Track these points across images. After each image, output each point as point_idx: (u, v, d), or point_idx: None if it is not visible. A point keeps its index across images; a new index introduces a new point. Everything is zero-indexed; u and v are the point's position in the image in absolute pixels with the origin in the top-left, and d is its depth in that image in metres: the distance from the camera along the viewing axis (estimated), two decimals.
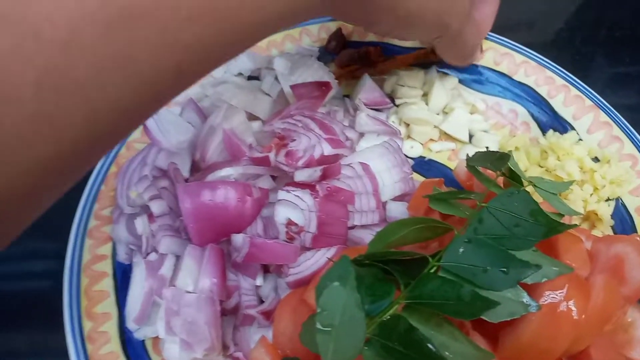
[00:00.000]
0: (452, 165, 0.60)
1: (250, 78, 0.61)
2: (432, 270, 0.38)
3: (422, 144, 0.62)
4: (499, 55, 0.65)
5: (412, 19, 0.43)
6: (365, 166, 0.49)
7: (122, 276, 0.50)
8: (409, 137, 0.62)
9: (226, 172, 0.48)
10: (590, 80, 0.64)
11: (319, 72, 0.58)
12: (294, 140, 0.49)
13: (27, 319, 0.53)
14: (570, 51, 0.78)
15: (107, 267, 0.50)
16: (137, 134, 0.58)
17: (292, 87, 0.54)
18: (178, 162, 0.52)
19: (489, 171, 0.47)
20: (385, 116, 0.63)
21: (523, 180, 0.46)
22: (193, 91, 0.59)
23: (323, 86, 0.55)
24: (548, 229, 0.40)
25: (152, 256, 0.47)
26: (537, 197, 0.47)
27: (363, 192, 0.48)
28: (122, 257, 0.51)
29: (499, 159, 0.47)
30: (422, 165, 0.60)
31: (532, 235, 0.40)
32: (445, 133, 0.62)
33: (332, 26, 0.68)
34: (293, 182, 0.47)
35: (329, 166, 0.47)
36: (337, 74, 0.63)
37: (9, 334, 0.52)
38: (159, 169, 0.51)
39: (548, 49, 0.76)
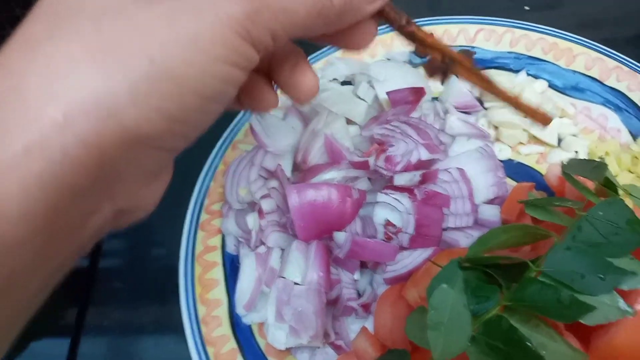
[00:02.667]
0: (540, 168, 0.62)
1: (343, 83, 0.65)
2: (532, 275, 0.40)
3: (510, 147, 0.63)
4: (591, 60, 0.66)
5: None
6: (461, 171, 0.52)
7: (231, 266, 0.55)
8: (497, 139, 0.64)
9: (330, 175, 0.51)
10: None
11: (412, 77, 0.61)
12: (392, 145, 0.52)
13: (150, 299, 0.58)
14: None
15: (217, 257, 0.55)
16: (240, 135, 0.63)
17: (388, 93, 0.57)
18: (282, 164, 0.56)
19: (582, 178, 0.49)
20: (474, 119, 0.65)
21: (618, 188, 0.48)
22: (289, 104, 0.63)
23: (417, 92, 0.58)
24: None
25: (262, 249, 0.52)
26: (629, 204, 0.49)
27: (459, 196, 0.51)
28: (230, 248, 0.55)
29: (596, 167, 0.48)
30: (511, 168, 0.62)
31: (629, 243, 0.42)
32: (534, 136, 0.63)
33: None
34: (392, 186, 0.50)
35: (427, 171, 0.50)
36: (427, 77, 0.66)
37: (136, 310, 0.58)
38: (266, 169, 0.56)
39: (632, 45, 0.75)
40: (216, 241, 0.56)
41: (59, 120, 0.23)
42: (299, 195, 0.50)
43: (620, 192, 0.48)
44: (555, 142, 0.63)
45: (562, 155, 0.62)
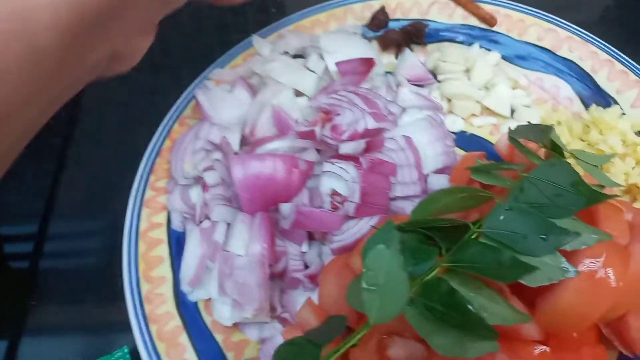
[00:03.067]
0: (493, 140, 0.61)
1: (295, 56, 0.63)
2: (473, 237, 0.39)
3: (463, 119, 0.63)
4: (543, 31, 0.66)
5: None
6: (408, 139, 0.51)
7: (176, 243, 0.53)
8: (450, 112, 0.63)
9: (275, 145, 0.50)
10: (636, 58, 0.63)
11: (363, 49, 0.60)
12: (339, 114, 0.51)
13: (85, 293, 0.56)
14: (619, 29, 0.76)
15: (162, 234, 0.54)
16: (188, 110, 0.61)
17: (337, 64, 0.56)
18: (229, 137, 0.54)
19: (531, 144, 0.48)
20: (427, 92, 0.64)
21: (564, 152, 0.47)
22: (242, 69, 0.62)
23: (367, 62, 0.57)
24: (589, 199, 0.41)
25: (206, 223, 0.51)
26: (579, 171, 0.48)
27: (405, 164, 0.50)
28: (176, 225, 0.54)
29: (541, 131, 0.47)
30: (464, 140, 0.61)
31: (572, 204, 0.41)
32: (487, 108, 0.63)
33: (375, 4, 0.69)
34: (338, 155, 0.49)
35: (372, 139, 0.49)
36: (380, 51, 0.65)
37: (71, 309, 0.56)
38: (211, 142, 0.54)
39: (596, 27, 0.75)
40: (161, 218, 0.55)
41: None
42: (243, 167, 0.49)
43: (567, 155, 0.48)
44: (508, 114, 0.62)
45: (515, 126, 0.61)
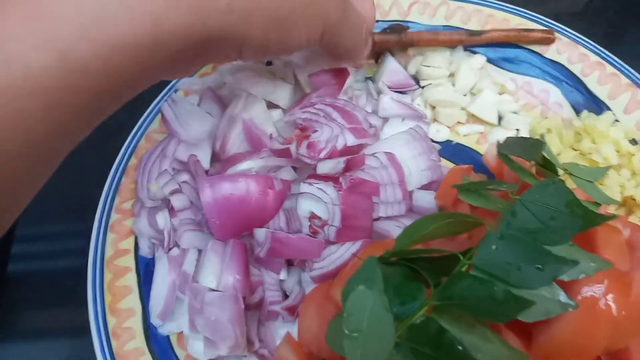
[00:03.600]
0: (480, 149, 0.58)
1: (268, 63, 0.59)
2: (463, 269, 0.36)
3: (449, 128, 0.59)
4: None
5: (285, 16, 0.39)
6: (390, 156, 0.47)
7: (145, 270, 0.50)
8: (435, 120, 0.60)
9: (247, 165, 0.46)
10: (625, 55, 0.61)
11: None
12: (316, 131, 0.48)
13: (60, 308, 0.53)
14: (603, 24, 0.74)
15: (129, 261, 0.50)
16: (155, 124, 0.57)
17: (309, 76, 0.52)
18: (198, 154, 0.50)
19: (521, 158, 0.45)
20: (409, 99, 0.61)
21: (557, 168, 0.44)
22: (211, 79, 0.58)
23: (340, 73, 0.53)
24: (585, 221, 0.38)
25: (175, 251, 0.47)
26: (571, 183, 0.45)
27: (388, 182, 0.47)
28: (144, 251, 0.50)
29: (532, 146, 0.44)
30: (450, 150, 0.58)
31: (568, 228, 0.38)
32: (473, 115, 0.60)
33: None
34: (315, 175, 0.46)
35: (352, 157, 0.46)
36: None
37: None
38: (179, 161, 0.50)
39: (578, 20, 0.73)
40: (128, 244, 0.51)
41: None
42: (212, 188, 0.45)
43: (561, 172, 0.45)
44: (495, 121, 0.59)
45: (503, 134, 0.58)
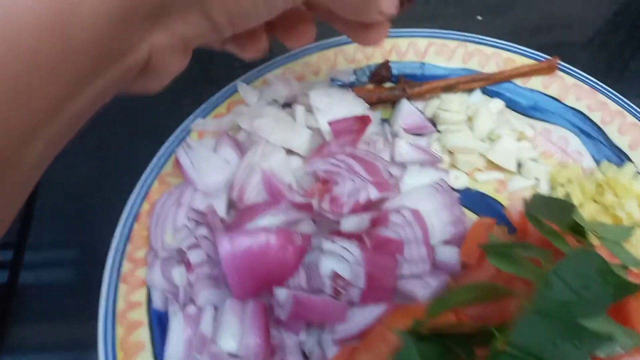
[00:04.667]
0: (500, 197, 0.57)
1: (284, 106, 0.58)
2: (498, 346, 0.35)
3: (467, 174, 0.58)
4: (548, 77, 0.62)
5: None
6: (415, 213, 0.46)
7: (158, 325, 0.48)
8: (452, 166, 0.59)
9: (267, 220, 0.45)
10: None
11: (356, 106, 0.55)
12: (338, 184, 0.46)
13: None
14: (606, 55, 0.74)
15: (142, 315, 0.48)
16: (168, 166, 0.56)
17: (330, 123, 0.51)
18: (214, 202, 0.49)
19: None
20: (426, 142, 0.60)
21: (587, 231, 0.44)
22: (225, 120, 0.56)
23: (362, 120, 0.52)
24: (618, 291, 0.37)
25: (191, 309, 0.45)
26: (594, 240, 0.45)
27: (413, 240, 0.45)
28: (157, 304, 0.48)
29: (562, 209, 0.43)
30: (469, 198, 0.57)
31: (602, 298, 0.37)
32: (492, 162, 0.58)
33: (369, 48, 0.64)
34: (338, 232, 0.44)
35: (377, 215, 0.44)
36: (374, 97, 0.60)
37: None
38: (195, 210, 0.49)
39: (583, 49, 0.73)
40: (140, 296, 0.49)
41: None
42: (231, 243, 0.43)
43: (590, 235, 0.44)
44: (514, 168, 0.58)
45: (522, 183, 0.57)
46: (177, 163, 0.50)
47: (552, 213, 0.43)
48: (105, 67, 0.27)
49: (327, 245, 0.44)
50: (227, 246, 0.43)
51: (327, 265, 0.43)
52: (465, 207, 0.56)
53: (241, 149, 0.52)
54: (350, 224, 0.44)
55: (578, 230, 0.43)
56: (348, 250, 0.43)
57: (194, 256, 0.46)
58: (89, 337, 0.47)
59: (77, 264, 0.56)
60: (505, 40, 0.65)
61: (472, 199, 0.57)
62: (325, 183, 0.47)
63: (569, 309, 0.37)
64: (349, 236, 0.44)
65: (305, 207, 0.46)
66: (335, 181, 0.47)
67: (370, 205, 0.46)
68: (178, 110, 0.59)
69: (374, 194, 0.46)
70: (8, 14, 0.21)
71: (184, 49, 0.34)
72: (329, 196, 0.46)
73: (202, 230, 0.47)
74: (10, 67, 0.21)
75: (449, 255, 0.48)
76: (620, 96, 0.59)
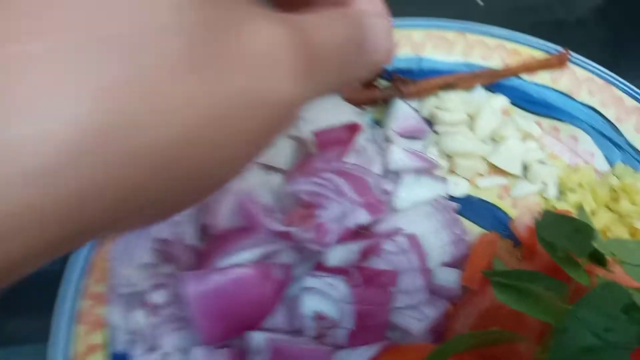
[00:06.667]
0: (503, 205, 0.51)
1: None
2: None
3: (467, 180, 0.52)
4: (558, 71, 0.55)
5: None
6: (411, 238, 0.40)
7: None
8: (452, 171, 0.53)
9: (241, 257, 0.39)
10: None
11: (343, 111, 0.49)
12: (323, 207, 0.40)
13: None
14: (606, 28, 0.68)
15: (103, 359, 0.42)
16: None
17: (315, 134, 0.45)
18: (183, 228, 0.43)
19: None
20: (422, 145, 0.54)
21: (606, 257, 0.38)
22: None
23: (350, 129, 0.46)
24: None
25: (157, 355, 0.39)
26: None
27: (408, 269, 0.40)
28: (119, 346, 0.42)
29: (579, 233, 0.38)
30: (469, 207, 0.51)
31: (627, 339, 0.32)
32: (494, 166, 0.52)
33: None
34: (323, 266, 0.39)
35: (368, 245, 0.39)
36: (364, 97, 0.53)
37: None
38: (160, 240, 0.43)
39: (582, 24, 0.67)
40: (100, 337, 0.43)
41: None
42: (199, 282, 0.38)
43: (610, 259, 0.38)
44: (519, 172, 0.52)
45: (528, 189, 0.51)
46: None
47: (568, 238, 0.38)
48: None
49: (310, 281, 0.38)
50: (195, 286, 0.38)
51: (310, 304, 0.38)
52: (466, 218, 0.50)
53: None
54: (336, 257, 0.38)
55: (599, 259, 0.37)
56: (334, 287, 0.38)
57: (159, 297, 0.40)
58: None
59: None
60: (505, 20, 0.58)
61: (473, 208, 0.51)
62: (308, 207, 0.41)
63: (590, 354, 0.32)
64: (336, 270, 0.38)
65: (284, 236, 0.40)
66: (320, 205, 0.41)
67: (360, 233, 0.40)
68: None
69: (364, 218, 0.40)
70: None
71: None
72: (312, 223, 0.40)
73: (167, 268, 0.41)
74: None
75: (449, 278, 0.43)
76: (637, 90, 0.53)
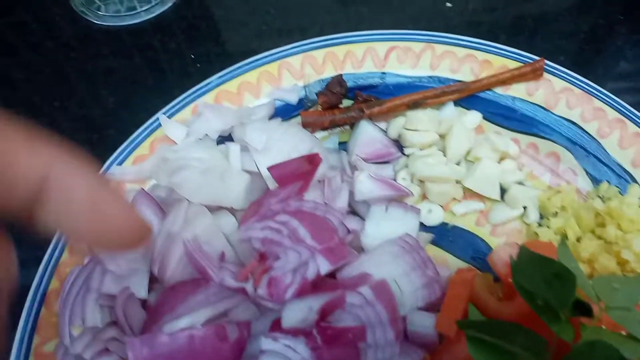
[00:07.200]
0: (481, 232, 0.48)
1: (220, 142, 0.48)
2: None
3: (442, 207, 0.49)
4: (533, 82, 0.52)
5: None
6: (377, 287, 0.37)
7: None
8: (424, 197, 0.49)
9: (189, 320, 0.35)
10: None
11: (302, 140, 0.45)
12: (279, 258, 0.37)
13: None
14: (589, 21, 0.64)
15: None
16: None
17: (269, 169, 0.41)
18: (131, 281, 0.39)
19: None
20: (392, 169, 0.50)
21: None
22: (148, 168, 0.46)
23: (310, 161, 0.42)
24: None
25: None
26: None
27: (376, 323, 0.36)
28: None
29: (558, 279, 0.34)
30: (445, 236, 0.48)
31: None
32: (471, 190, 0.49)
33: (317, 57, 0.53)
34: (280, 328, 0.35)
35: (330, 300, 0.35)
36: (325, 121, 0.50)
37: None
38: (107, 295, 0.39)
39: (563, 18, 0.64)
40: None
41: None
42: (144, 347, 0.34)
43: (596, 308, 0.35)
44: (497, 195, 0.49)
45: (507, 214, 0.48)
46: None
47: (548, 284, 0.34)
48: None
49: (266, 343, 0.35)
50: (141, 350, 0.34)
51: None
52: (441, 248, 0.47)
53: (163, 208, 0.42)
54: (293, 317, 0.35)
55: (583, 310, 0.34)
56: (293, 349, 0.34)
57: None
58: None
59: None
60: (475, 18, 0.54)
61: (449, 237, 0.48)
62: (262, 258, 0.37)
63: None
64: (295, 332, 0.35)
65: (238, 292, 0.37)
66: (275, 255, 0.37)
67: (320, 283, 0.37)
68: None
69: (324, 267, 0.37)
70: None
71: None
72: (267, 277, 0.36)
73: (111, 332, 0.37)
74: None
75: (424, 324, 0.39)
76: (620, 102, 0.49)
